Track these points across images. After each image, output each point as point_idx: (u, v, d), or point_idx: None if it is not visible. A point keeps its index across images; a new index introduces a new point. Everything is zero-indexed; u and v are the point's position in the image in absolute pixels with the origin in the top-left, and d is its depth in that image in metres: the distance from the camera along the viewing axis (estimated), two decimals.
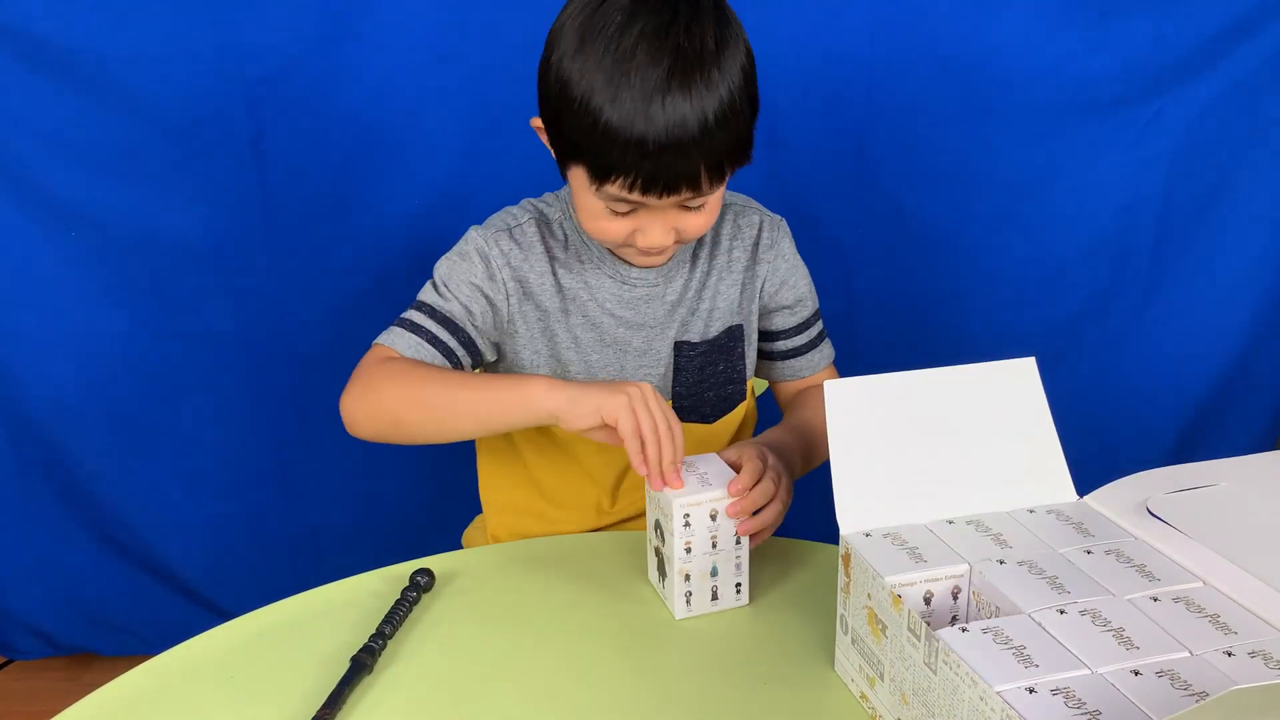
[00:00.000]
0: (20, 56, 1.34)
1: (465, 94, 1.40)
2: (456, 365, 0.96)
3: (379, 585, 0.89)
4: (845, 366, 1.46)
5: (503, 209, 1.02)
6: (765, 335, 1.09)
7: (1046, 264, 1.51)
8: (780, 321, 1.08)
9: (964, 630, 0.63)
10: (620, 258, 0.99)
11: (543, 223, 1.00)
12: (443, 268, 0.98)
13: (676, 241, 0.94)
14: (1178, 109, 1.45)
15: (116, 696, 0.77)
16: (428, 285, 0.98)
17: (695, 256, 1.03)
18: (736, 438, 1.10)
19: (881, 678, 0.72)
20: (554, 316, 0.99)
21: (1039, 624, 0.64)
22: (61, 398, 1.51)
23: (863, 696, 0.76)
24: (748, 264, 1.04)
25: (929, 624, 0.66)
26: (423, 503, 1.60)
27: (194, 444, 1.56)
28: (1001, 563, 0.72)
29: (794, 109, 1.42)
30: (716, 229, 1.04)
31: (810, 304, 1.09)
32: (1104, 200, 1.49)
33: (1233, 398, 1.64)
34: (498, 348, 1.00)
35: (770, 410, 1.19)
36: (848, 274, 1.51)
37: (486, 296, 0.96)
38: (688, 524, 0.83)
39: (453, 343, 0.95)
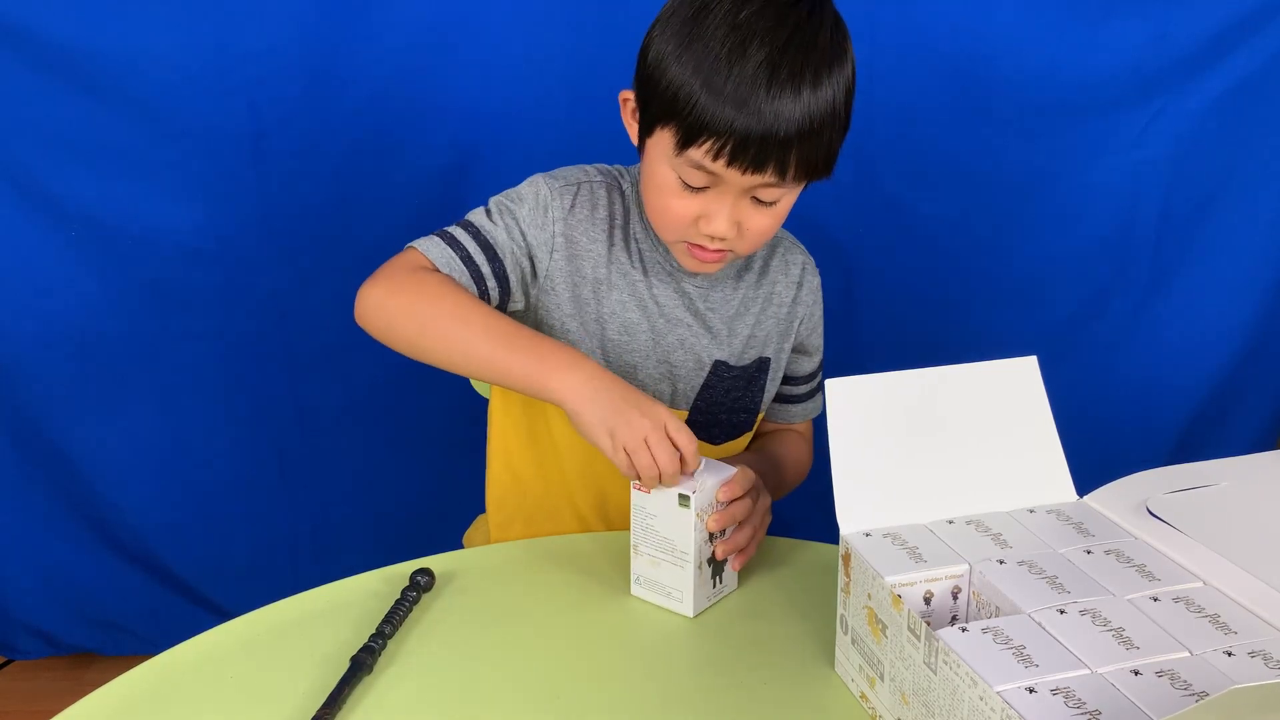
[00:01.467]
0: (22, 56, 1.35)
1: (465, 94, 1.40)
2: (483, 293, 0.92)
3: (379, 585, 0.89)
4: (845, 367, 1.46)
5: (577, 165, 0.98)
6: (783, 378, 1.09)
7: (1047, 264, 1.51)
8: (797, 366, 1.08)
9: (964, 630, 0.63)
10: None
11: (615, 189, 0.97)
12: (498, 198, 0.95)
13: (731, 251, 0.92)
14: (1179, 109, 1.45)
15: (117, 696, 0.77)
16: (478, 209, 0.95)
17: (742, 280, 1.02)
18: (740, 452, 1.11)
19: (881, 678, 0.72)
20: (596, 286, 0.96)
21: (1039, 624, 0.64)
22: (62, 397, 1.51)
23: (863, 696, 0.76)
24: (790, 302, 1.04)
25: (929, 624, 0.66)
26: (423, 502, 1.60)
27: (195, 444, 1.56)
28: (1001, 563, 0.72)
29: None
30: (766, 259, 1.04)
31: (821, 353, 1.10)
32: (1104, 200, 1.49)
33: (1233, 398, 1.64)
34: (527, 298, 0.96)
35: None
36: (848, 274, 1.51)
37: (530, 243, 0.93)
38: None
39: (486, 269, 0.91)
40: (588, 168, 0.98)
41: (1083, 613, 0.65)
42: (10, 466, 1.55)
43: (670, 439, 0.81)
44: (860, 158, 1.45)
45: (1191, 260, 1.54)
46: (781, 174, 0.85)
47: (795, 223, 1.45)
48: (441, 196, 1.46)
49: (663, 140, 0.87)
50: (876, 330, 1.54)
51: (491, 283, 0.92)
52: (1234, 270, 1.55)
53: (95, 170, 1.40)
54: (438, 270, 0.90)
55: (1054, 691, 0.57)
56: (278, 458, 1.57)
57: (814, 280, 1.07)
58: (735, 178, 0.85)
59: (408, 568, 0.90)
